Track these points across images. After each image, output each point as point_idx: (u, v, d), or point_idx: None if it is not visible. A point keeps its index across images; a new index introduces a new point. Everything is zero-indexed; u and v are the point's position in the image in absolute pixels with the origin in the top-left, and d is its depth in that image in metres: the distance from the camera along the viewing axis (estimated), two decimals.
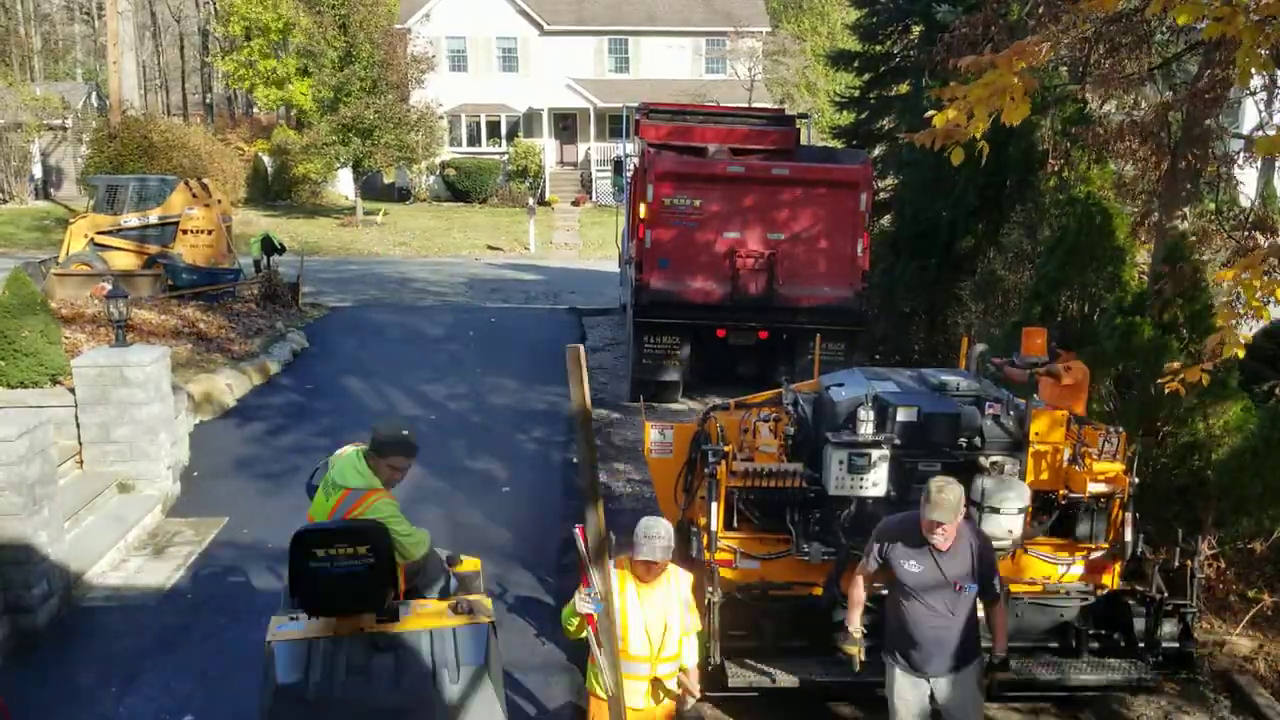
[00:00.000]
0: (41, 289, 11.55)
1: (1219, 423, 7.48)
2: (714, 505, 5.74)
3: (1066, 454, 6.08)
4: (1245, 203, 11.54)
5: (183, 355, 12.39)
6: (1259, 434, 7.00)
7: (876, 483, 5.74)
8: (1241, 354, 4.59)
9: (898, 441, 5.75)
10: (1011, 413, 5.96)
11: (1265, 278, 4.14)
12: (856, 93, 19.36)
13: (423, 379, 13.34)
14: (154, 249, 17.84)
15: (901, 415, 5.82)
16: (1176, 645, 5.85)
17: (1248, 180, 13.38)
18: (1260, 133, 11.03)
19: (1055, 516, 6.04)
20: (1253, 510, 6.95)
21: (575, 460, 10.25)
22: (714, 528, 5.76)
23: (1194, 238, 8.34)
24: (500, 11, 38.99)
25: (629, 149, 18.23)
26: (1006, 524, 5.53)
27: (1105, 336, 8.20)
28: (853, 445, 5.69)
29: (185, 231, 17.88)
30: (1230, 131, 11.18)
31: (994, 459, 5.68)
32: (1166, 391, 5.26)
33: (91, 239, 17.85)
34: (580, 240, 30.76)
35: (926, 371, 6.53)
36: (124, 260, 17.75)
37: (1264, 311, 4.71)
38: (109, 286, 12.69)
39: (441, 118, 36.87)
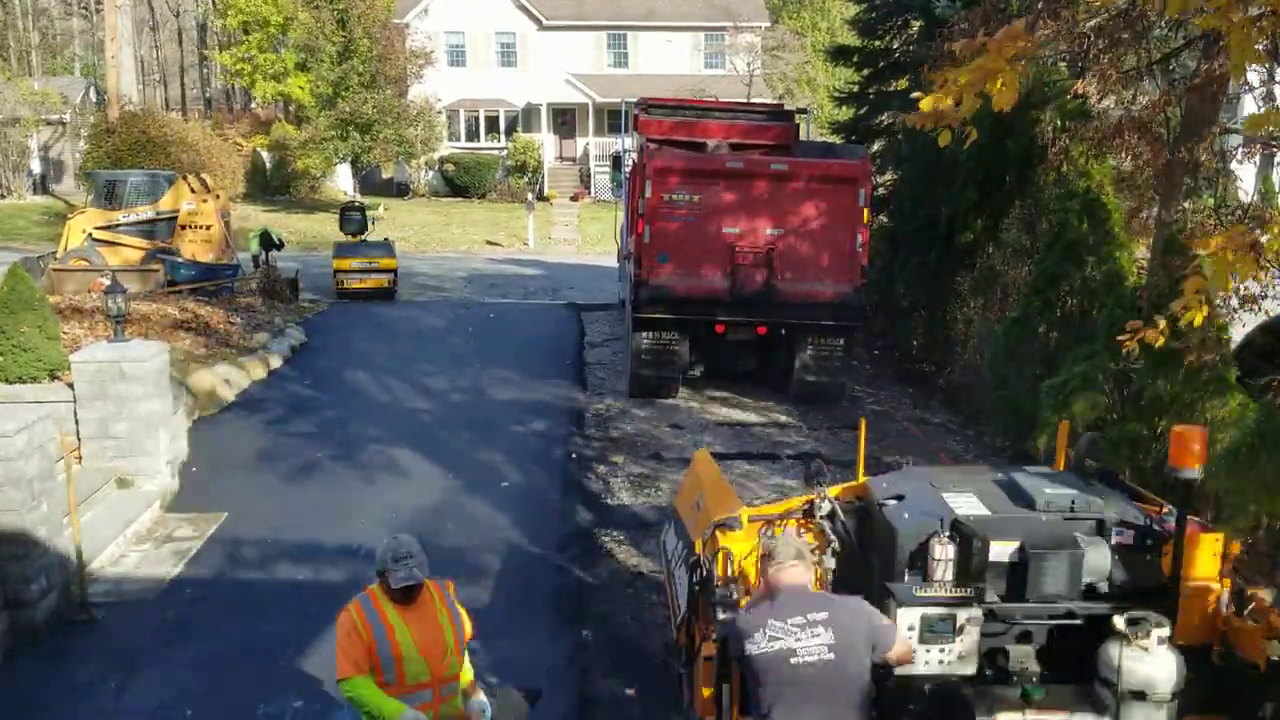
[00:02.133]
0: (40, 284, 11.54)
1: (1217, 417, 7.49)
2: (725, 690, 4.13)
3: (1225, 595, 4.26)
4: (1244, 198, 11.54)
5: (182, 350, 12.38)
6: (1255, 429, 7.01)
7: (965, 655, 3.90)
8: (1199, 321, 4.48)
9: (994, 596, 4.03)
10: (1150, 541, 4.16)
11: (1242, 253, 4.08)
12: (856, 88, 19.35)
13: (422, 373, 13.35)
14: (153, 244, 17.83)
15: (996, 552, 4.02)
16: None
17: (1246, 176, 13.37)
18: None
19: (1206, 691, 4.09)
20: (1250, 504, 6.96)
21: (574, 455, 10.28)
22: None
23: (1189, 231, 8.33)
24: (499, 6, 38.92)
25: (628, 144, 18.21)
26: (1156, 716, 3.83)
27: (1104, 331, 8.21)
28: (931, 602, 3.87)
29: (184, 227, 17.87)
30: (1228, 126, 11.17)
31: (1132, 616, 3.83)
32: (1124, 350, 5.16)
33: (90, 234, 17.84)
34: (579, 235, 30.76)
35: (1016, 474, 4.50)
36: (122, 256, 17.74)
37: (1228, 284, 4.62)
38: (107, 282, 12.68)
39: (440, 113, 36.83)
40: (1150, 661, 3.77)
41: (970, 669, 3.92)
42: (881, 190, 18.29)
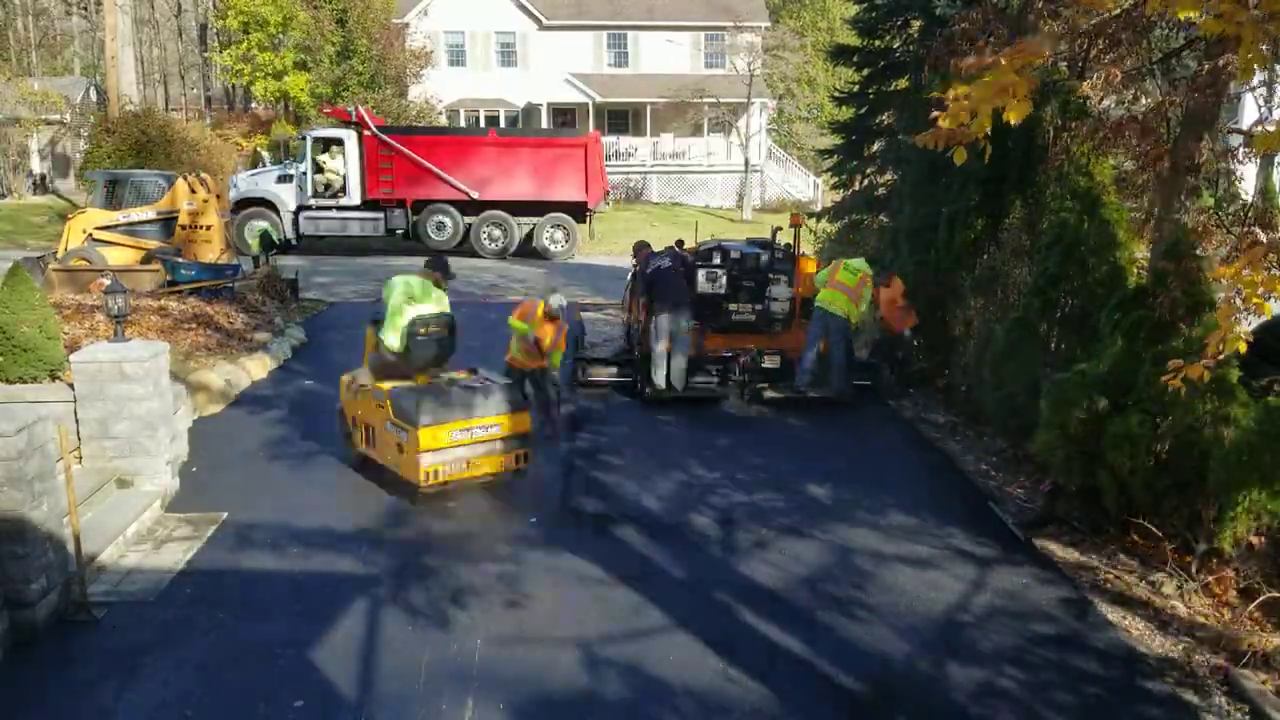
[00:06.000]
0: (40, 284, 11.53)
1: (1219, 417, 7.47)
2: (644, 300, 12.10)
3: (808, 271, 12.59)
4: (1245, 198, 11.53)
5: (182, 350, 12.38)
6: (1256, 429, 7.00)
7: (721, 286, 12.12)
8: (1243, 349, 4.54)
9: (732, 267, 12.19)
10: (785, 255, 12.46)
11: (1266, 274, 4.11)
12: (856, 88, 19.37)
13: None
14: (153, 244, 17.83)
15: (733, 254, 12.27)
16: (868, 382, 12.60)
17: (1248, 176, 13.37)
18: (1260, 128, 11.01)
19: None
20: (1251, 504, 6.96)
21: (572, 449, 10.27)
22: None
23: (1195, 232, 8.32)
24: (499, 6, 38.93)
25: None
26: (781, 306, 12.32)
27: (1105, 331, 8.20)
28: (709, 267, 12.06)
29: (184, 227, 17.87)
30: (1230, 127, 11.17)
31: (778, 276, 12.21)
32: (1170, 388, 5.20)
33: (90, 234, 17.83)
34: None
35: (751, 238, 13.60)
36: (123, 255, 17.74)
37: (1265, 307, 4.68)
38: (107, 282, 12.66)
39: (440, 113, 36.82)
40: (780, 286, 12.53)
41: (723, 291, 12.29)
42: (881, 190, 18.26)
